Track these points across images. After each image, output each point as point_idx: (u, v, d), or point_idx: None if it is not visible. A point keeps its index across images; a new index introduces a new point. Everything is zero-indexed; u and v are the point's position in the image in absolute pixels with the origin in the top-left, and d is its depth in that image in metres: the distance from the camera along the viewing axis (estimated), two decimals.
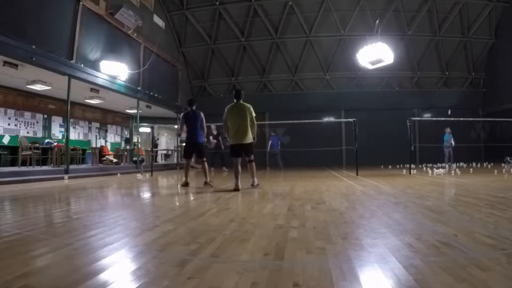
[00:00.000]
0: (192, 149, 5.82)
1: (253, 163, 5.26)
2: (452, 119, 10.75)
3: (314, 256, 1.73)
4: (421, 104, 16.09)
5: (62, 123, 12.08)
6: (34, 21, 7.83)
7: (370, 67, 10.38)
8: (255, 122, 5.08)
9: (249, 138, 4.99)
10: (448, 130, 11.68)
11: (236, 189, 4.82)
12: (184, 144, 6.00)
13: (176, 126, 15.67)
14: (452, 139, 11.61)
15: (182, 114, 5.89)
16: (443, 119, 10.88)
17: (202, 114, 5.78)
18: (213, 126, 10.98)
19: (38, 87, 9.81)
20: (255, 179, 5.24)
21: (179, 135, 6.26)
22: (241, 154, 5.08)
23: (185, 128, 5.84)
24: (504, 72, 14.55)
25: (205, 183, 5.65)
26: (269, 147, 12.22)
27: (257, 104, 17.86)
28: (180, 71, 16.58)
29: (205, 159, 5.87)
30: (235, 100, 5.10)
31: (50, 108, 11.73)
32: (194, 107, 5.79)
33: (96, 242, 2.06)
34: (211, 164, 10.68)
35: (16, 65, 7.79)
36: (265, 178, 8.05)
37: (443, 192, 4.58)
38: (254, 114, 5.03)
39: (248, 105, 5.04)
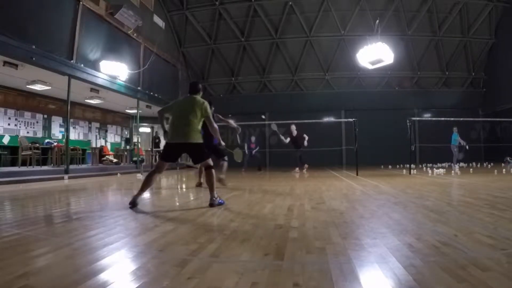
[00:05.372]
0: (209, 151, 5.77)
1: (212, 171, 3.65)
2: (452, 119, 10.74)
3: (314, 256, 1.73)
4: (421, 104, 16.11)
5: (62, 123, 12.08)
6: (34, 21, 7.83)
7: (370, 67, 10.38)
8: (214, 124, 3.80)
9: (196, 137, 3.60)
10: (456, 129, 11.62)
11: (132, 203, 3.44)
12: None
13: None
14: (459, 138, 11.56)
15: None
16: (443, 119, 10.89)
17: (219, 116, 5.76)
18: (293, 127, 10.58)
19: (38, 87, 9.82)
20: (215, 194, 3.57)
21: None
22: (175, 158, 3.79)
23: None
24: (504, 72, 14.56)
25: (219, 179, 5.69)
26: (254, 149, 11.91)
27: (257, 104, 17.87)
28: (180, 71, 16.57)
29: (226, 158, 5.87)
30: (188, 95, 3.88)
31: (50, 108, 11.73)
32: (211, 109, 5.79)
33: (96, 242, 2.06)
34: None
35: (16, 65, 7.79)
36: (264, 178, 8.05)
37: (443, 192, 4.57)
38: (209, 112, 3.72)
39: (202, 100, 3.76)
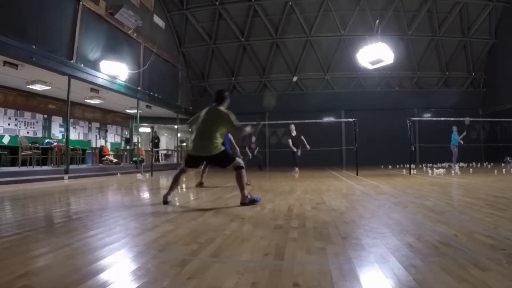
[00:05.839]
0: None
1: (242, 171, 3.63)
2: (452, 119, 10.74)
3: (314, 256, 1.73)
4: (421, 104, 16.10)
5: (62, 123, 12.08)
6: (34, 21, 7.84)
7: (370, 67, 10.37)
8: (242, 129, 3.65)
9: (216, 149, 3.60)
10: (455, 128, 11.63)
11: (165, 201, 3.64)
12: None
13: (176, 126, 15.72)
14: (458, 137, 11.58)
15: None
16: (443, 119, 10.88)
17: None
18: (292, 126, 10.45)
19: (38, 87, 9.82)
20: (246, 193, 3.59)
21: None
22: (197, 166, 3.97)
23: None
24: (504, 72, 14.56)
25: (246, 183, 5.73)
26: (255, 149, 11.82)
27: (257, 104, 17.89)
28: (180, 71, 16.59)
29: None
30: (214, 104, 3.82)
31: (50, 108, 11.73)
32: None
33: (96, 242, 2.06)
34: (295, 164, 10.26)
35: (16, 65, 7.79)
36: (264, 178, 8.05)
37: (443, 192, 4.57)
38: (233, 123, 3.61)
39: (226, 112, 3.68)
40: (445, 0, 14.86)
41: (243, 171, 3.67)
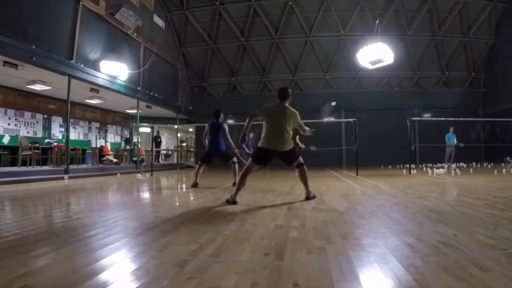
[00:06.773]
0: (213, 156, 5.95)
1: (304, 168, 3.91)
2: (452, 119, 10.74)
3: (314, 256, 1.73)
4: (421, 104, 16.10)
5: (62, 123, 12.08)
6: (34, 21, 7.84)
7: (370, 67, 10.38)
8: (304, 126, 4.12)
9: (290, 145, 3.86)
10: (452, 129, 11.69)
11: (234, 202, 3.63)
12: (206, 150, 6.02)
13: (176, 126, 15.73)
14: (455, 138, 11.64)
15: (208, 123, 6.01)
16: (443, 119, 10.88)
17: (225, 126, 5.94)
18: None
19: (38, 87, 9.82)
20: (309, 189, 3.91)
21: (204, 141, 6.22)
22: (267, 162, 4.02)
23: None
24: (504, 72, 14.56)
25: (234, 184, 5.70)
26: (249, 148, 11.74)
27: (257, 104, 17.88)
28: (180, 71, 16.59)
29: (235, 160, 5.94)
30: (278, 101, 3.96)
31: (50, 108, 11.73)
32: (220, 119, 5.95)
33: (96, 242, 2.06)
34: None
35: (16, 65, 7.79)
36: (264, 178, 8.04)
37: (443, 192, 4.57)
38: (301, 122, 4.03)
39: (295, 111, 3.97)
40: (445, 0, 14.86)
41: (305, 168, 3.91)
